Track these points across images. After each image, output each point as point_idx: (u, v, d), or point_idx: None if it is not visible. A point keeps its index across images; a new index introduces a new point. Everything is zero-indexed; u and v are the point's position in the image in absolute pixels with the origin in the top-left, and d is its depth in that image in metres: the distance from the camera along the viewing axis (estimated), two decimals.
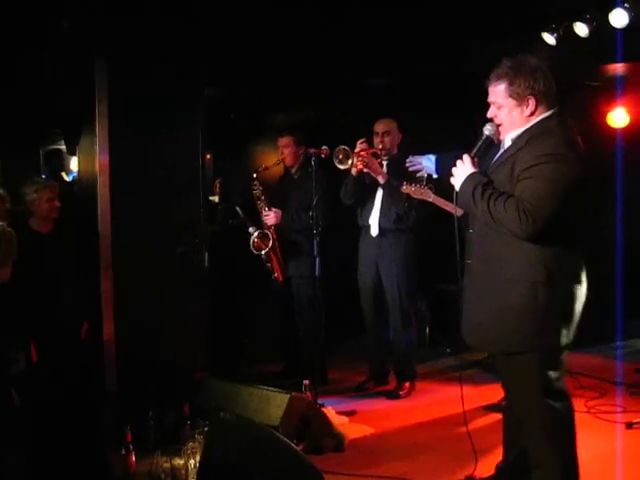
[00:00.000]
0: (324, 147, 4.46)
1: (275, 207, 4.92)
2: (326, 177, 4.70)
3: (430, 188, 4.36)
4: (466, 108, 6.19)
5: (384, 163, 4.72)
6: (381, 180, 4.59)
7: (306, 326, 4.88)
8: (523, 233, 2.60)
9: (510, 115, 2.70)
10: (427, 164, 3.06)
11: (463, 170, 2.77)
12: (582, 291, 2.75)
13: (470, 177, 2.73)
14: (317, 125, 5.88)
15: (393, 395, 4.72)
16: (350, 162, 4.48)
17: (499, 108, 2.72)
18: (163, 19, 4.06)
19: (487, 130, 2.81)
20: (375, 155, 4.64)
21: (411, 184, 4.42)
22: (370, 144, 4.66)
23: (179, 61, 4.19)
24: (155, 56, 4.10)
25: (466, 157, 2.77)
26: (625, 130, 5.88)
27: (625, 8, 4.46)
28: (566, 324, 2.71)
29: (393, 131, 4.74)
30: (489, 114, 2.78)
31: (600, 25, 4.62)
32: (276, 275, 4.93)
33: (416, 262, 4.73)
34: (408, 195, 4.39)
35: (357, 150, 4.53)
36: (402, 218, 4.62)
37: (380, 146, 4.67)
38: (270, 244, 4.84)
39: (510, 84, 2.66)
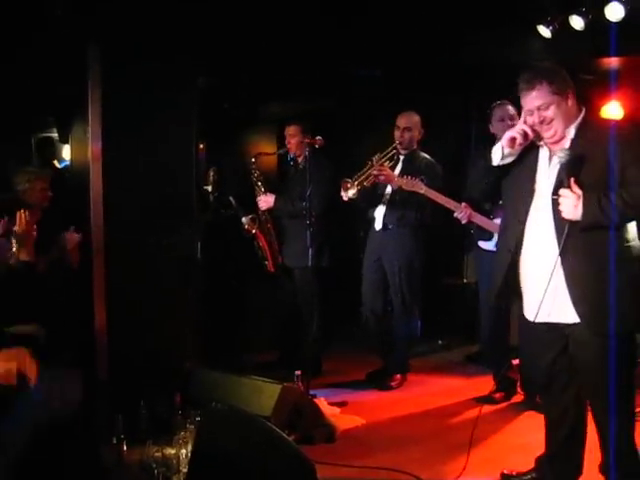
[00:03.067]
0: (318, 137, 4.46)
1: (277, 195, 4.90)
2: (328, 168, 4.73)
3: (422, 180, 4.35)
4: (462, 98, 6.21)
5: (401, 157, 4.70)
6: (394, 186, 4.56)
7: (301, 315, 4.86)
8: None
9: (561, 110, 2.79)
10: None
11: (572, 201, 2.68)
12: None
13: (587, 200, 2.67)
14: (310, 115, 5.87)
15: (384, 386, 4.72)
16: (355, 191, 4.49)
17: (547, 108, 2.77)
18: (157, 7, 4.04)
19: (560, 157, 2.75)
20: (390, 158, 4.60)
21: (403, 176, 4.41)
22: (388, 139, 4.63)
23: (173, 50, 4.16)
24: (149, 44, 4.07)
25: (565, 191, 2.69)
26: None
27: (621, 2, 4.48)
28: None
29: (415, 127, 4.68)
30: (530, 122, 2.79)
31: (596, 18, 4.63)
32: (266, 263, 4.92)
33: (422, 258, 4.71)
34: (415, 193, 4.37)
35: (375, 173, 4.49)
36: (405, 215, 4.59)
37: (399, 141, 4.62)
38: (257, 226, 4.83)
39: (550, 83, 2.77)
